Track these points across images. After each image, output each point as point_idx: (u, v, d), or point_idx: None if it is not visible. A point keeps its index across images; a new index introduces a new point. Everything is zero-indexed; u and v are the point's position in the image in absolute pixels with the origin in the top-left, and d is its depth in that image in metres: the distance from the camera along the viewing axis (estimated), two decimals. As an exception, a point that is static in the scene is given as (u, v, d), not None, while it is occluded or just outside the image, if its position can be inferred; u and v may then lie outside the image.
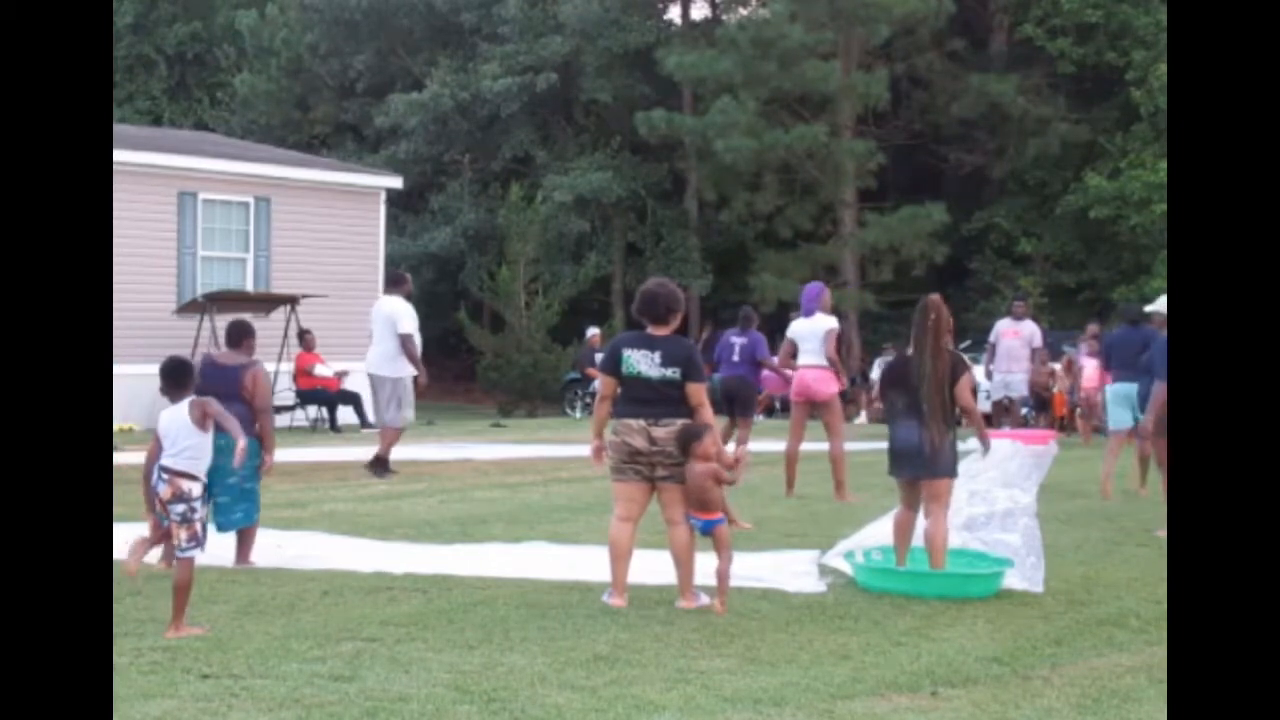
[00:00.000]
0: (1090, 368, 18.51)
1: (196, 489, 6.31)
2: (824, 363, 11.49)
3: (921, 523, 7.71)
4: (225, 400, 6.97)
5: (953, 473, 7.64)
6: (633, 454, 6.94)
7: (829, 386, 11.48)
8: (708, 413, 7.04)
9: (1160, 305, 10.49)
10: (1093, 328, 20.01)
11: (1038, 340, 18.45)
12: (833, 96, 28.01)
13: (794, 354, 11.67)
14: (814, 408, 11.61)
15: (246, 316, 10.21)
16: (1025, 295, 22.65)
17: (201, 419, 6.30)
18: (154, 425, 6.60)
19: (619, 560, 7.04)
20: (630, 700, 5.16)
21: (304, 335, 19.28)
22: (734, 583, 7.12)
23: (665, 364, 6.93)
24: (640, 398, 6.95)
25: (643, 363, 6.95)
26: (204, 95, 38.36)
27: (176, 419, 6.32)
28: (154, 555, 6.81)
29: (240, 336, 8.49)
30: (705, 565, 7.18)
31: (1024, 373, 18.14)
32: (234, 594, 7.13)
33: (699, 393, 6.98)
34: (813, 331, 11.55)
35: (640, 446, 6.91)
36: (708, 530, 6.95)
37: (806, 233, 29.06)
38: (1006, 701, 5.33)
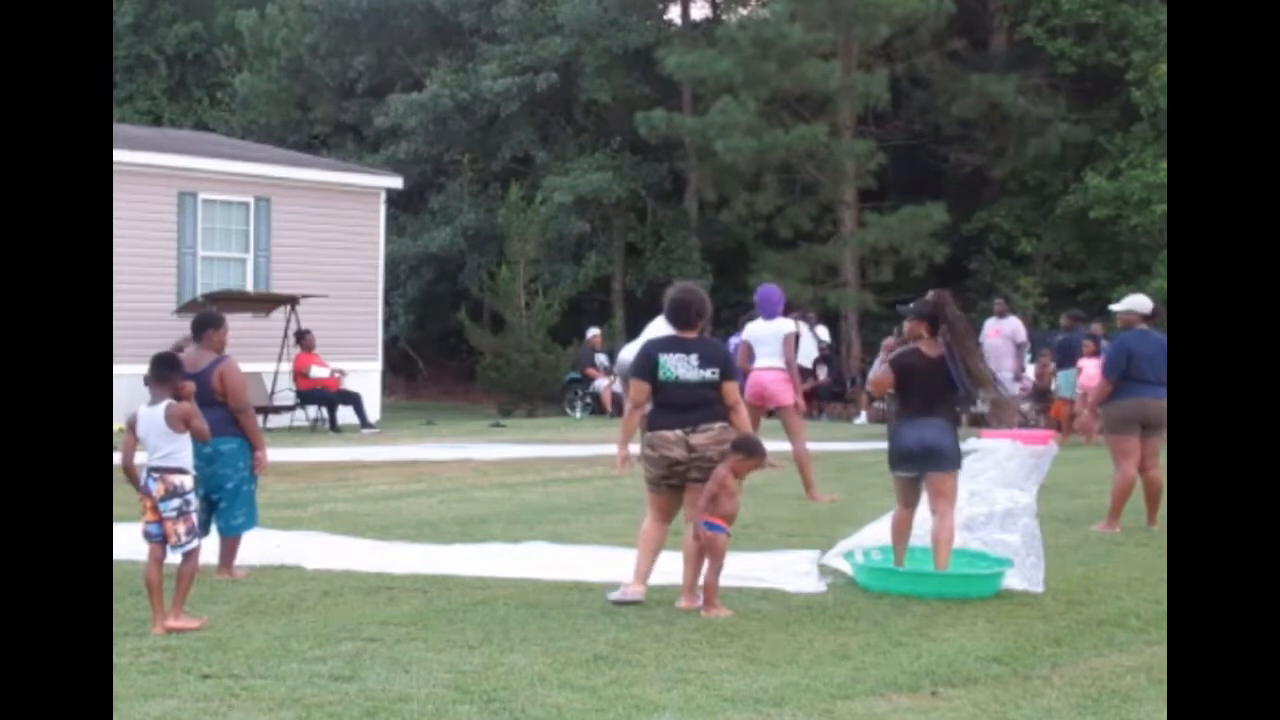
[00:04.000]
0: (1090, 367, 18.54)
1: (188, 481, 6.34)
2: (781, 365, 11.48)
3: (925, 522, 7.71)
4: (203, 406, 6.79)
5: (957, 465, 7.62)
6: (671, 466, 6.94)
7: (786, 394, 11.46)
8: (743, 412, 7.08)
9: (1124, 304, 10.34)
10: (1096, 327, 20.03)
11: (1021, 336, 18.60)
12: (833, 96, 27.99)
13: (750, 356, 11.63)
14: (772, 411, 11.60)
15: (246, 316, 10.03)
16: (1006, 294, 22.78)
17: (179, 424, 6.31)
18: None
19: (646, 554, 7.05)
20: (630, 700, 5.16)
21: (302, 336, 19.26)
22: (734, 583, 7.12)
23: (704, 365, 6.97)
24: (678, 403, 6.95)
25: (680, 366, 6.97)
26: (204, 95, 38.34)
27: (154, 425, 6.32)
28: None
29: (203, 329, 7.81)
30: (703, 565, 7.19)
31: (1010, 370, 18.28)
32: (234, 594, 7.13)
33: (734, 391, 7.04)
34: (772, 334, 11.55)
35: (679, 457, 6.92)
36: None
37: (806, 233, 29.04)
38: (1006, 701, 5.33)
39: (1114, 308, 10.48)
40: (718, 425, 6.94)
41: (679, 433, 6.91)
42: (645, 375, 7.06)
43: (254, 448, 7.79)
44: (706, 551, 6.86)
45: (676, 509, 7.14)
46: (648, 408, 7.14)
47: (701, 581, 6.89)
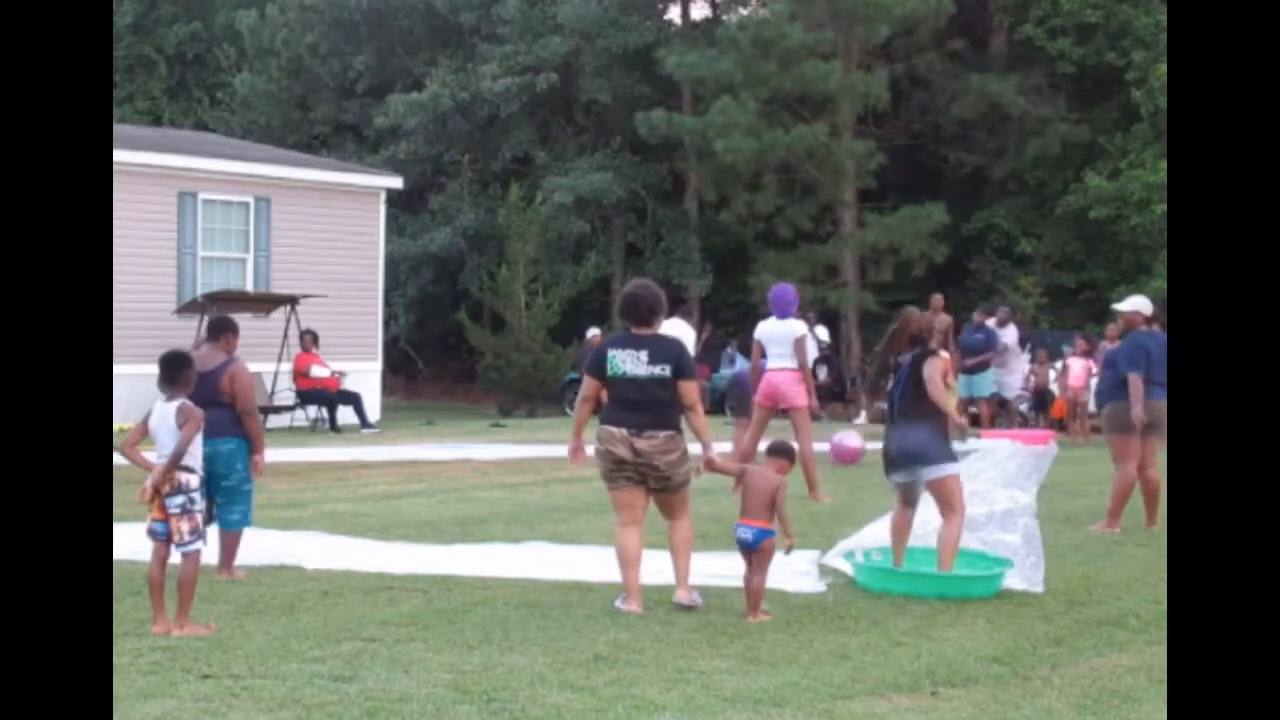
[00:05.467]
0: (1078, 367, 18.59)
1: (194, 480, 6.34)
2: (794, 365, 11.44)
3: (927, 523, 7.73)
4: (208, 405, 6.88)
5: (947, 459, 7.56)
6: (619, 462, 6.84)
7: (800, 395, 11.43)
8: (700, 413, 7.00)
9: (1127, 304, 10.37)
10: (1111, 329, 20.01)
11: (1011, 340, 18.84)
12: (833, 96, 27.97)
13: (762, 355, 11.59)
14: (784, 410, 11.57)
15: (246, 316, 10.06)
16: (1008, 300, 22.97)
17: (184, 425, 6.31)
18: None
19: (629, 566, 6.95)
20: (630, 700, 5.17)
21: (304, 336, 19.27)
22: (733, 583, 7.11)
23: (654, 361, 6.82)
24: (627, 400, 6.84)
25: (629, 362, 6.84)
26: (204, 95, 38.33)
27: (165, 422, 6.34)
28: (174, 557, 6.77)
29: (220, 332, 8.02)
30: (702, 565, 7.18)
31: (1013, 373, 18.43)
32: (234, 594, 7.13)
33: (691, 391, 6.89)
34: (784, 335, 11.49)
35: (624, 456, 6.81)
36: (758, 541, 6.80)
37: (806, 233, 29.01)
38: (1006, 701, 5.33)
39: (1118, 307, 10.47)
40: (663, 434, 6.79)
41: (624, 432, 6.79)
42: (594, 371, 6.97)
43: (253, 450, 7.84)
44: (760, 560, 6.79)
45: (642, 506, 6.98)
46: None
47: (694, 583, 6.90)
